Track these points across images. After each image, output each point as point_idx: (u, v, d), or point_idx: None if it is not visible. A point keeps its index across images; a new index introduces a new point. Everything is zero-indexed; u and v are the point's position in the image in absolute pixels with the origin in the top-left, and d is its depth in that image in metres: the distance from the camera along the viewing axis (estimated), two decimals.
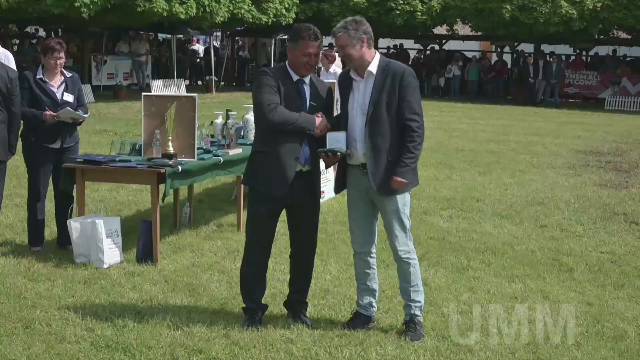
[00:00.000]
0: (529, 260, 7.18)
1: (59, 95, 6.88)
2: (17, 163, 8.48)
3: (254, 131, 5.72)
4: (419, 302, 5.21)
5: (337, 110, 5.92)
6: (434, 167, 12.54)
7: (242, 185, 7.44)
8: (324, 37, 19.68)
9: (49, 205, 7.31)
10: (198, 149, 6.89)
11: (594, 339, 5.22)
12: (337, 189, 5.45)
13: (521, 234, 8.22)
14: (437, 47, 34.65)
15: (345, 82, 5.18)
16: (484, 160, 13.70)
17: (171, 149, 6.64)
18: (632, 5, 26.91)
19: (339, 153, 5.03)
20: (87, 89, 21.24)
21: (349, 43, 4.98)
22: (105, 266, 6.48)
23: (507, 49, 34.68)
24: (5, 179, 6.79)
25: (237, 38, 34.54)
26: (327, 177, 9.17)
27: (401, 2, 29.00)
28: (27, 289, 5.86)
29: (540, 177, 11.99)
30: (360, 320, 5.28)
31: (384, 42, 33.66)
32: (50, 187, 7.09)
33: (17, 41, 29.06)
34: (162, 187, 6.48)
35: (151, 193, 6.62)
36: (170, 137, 6.64)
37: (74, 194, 6.92)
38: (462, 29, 32.36)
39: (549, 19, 27.35)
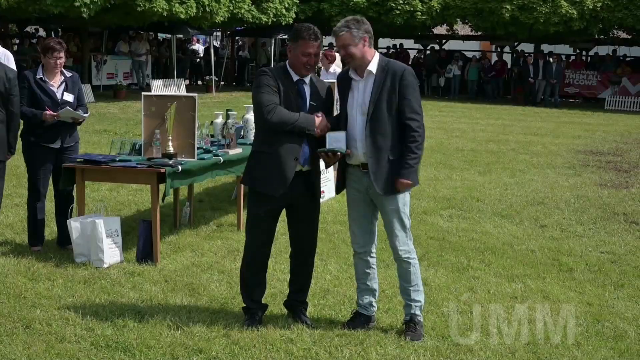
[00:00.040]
0: (529, 260, 7.18)
1: (59, 95, 6.88)
2: (17, 163, 8.48)
3: (253, 131, 5.71)
4: (419, 301, 5.20)
5: (337, 110, 5.92)
6: (434, 167, 12.54)
7: (242, 185, 7.44)
8: (324, 37, 19.72)
9: (49, 205, 7.31)
10: (198, 148, 6.89)
11: (594, 339, 5.22)
12: (338, 189, 5.45)
13: (521, 234, 8.22)
14: (437, 47, 34.62)
15: (345, 82, 5.16)
16: (484, 160, 13.70)
17: (171, 149, 6.64)
18: (632, 5, 26.90)
19: (339, 153, 5.02)
20: (87, 89, 21.24)
21: (352, 42, 4.97)
22: (105, 266, 6.48)
23: (507, 48, 34.63)
24: (5, 179, 6.78)
25: (237, 38, 34.50)
26: (327, 177, 9.18)
27: (401, 2, 28.97)
28: (27, 289, 5.86)
29: (540, 177, 11.99)
30: (360, 320, 5.28)
31: (384, 42, 33.66)
32: (50, 187, 7.09)
33: (17, 41, 28.99)
34: (162, 186, 6.48)
35: (151, 193, 6.62)
36: (170, 137, 6.64)
37: (74, 193, 6.93)
38: (462, 28, 32.35)
39: (548, 18, 27.33)
